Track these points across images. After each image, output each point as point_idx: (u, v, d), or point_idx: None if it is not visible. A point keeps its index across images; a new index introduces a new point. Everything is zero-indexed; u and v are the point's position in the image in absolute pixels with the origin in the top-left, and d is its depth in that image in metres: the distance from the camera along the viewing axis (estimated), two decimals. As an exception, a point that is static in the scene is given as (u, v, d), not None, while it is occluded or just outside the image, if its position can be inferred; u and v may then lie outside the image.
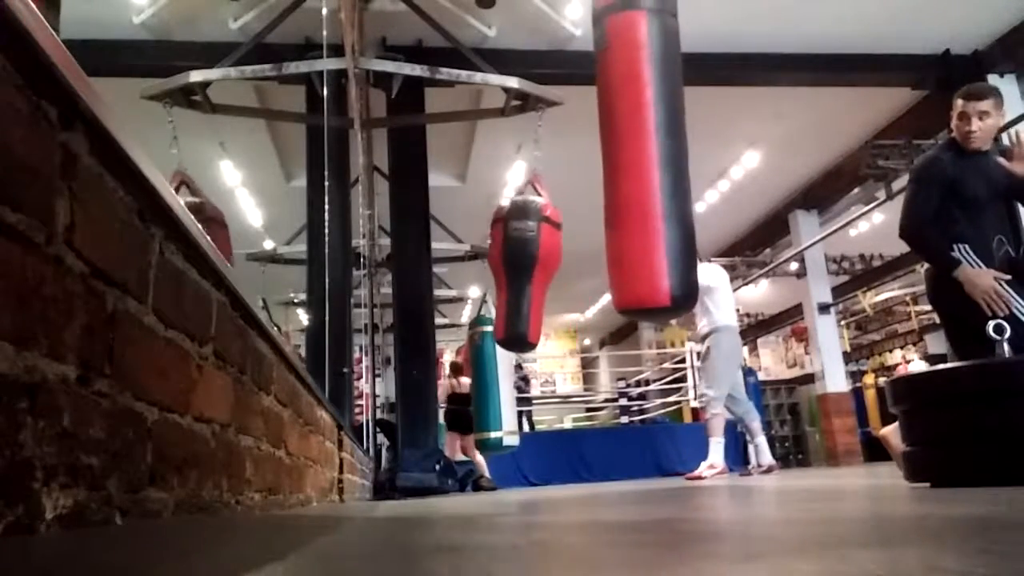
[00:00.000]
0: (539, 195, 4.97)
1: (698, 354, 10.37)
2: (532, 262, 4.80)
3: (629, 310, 3.23)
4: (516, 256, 4.83)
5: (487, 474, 7.02)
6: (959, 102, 2.99)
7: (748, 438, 5.82)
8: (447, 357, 12.26)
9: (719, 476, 5.07)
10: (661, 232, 3.04)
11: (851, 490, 2.59)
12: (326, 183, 5.40)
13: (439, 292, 9.59)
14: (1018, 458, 1.93)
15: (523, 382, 13.69)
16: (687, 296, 3.10)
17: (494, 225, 4.96)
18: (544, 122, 5.19)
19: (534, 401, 14.31)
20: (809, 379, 11.90)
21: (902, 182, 8.12)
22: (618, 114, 3.29)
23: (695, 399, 10.38)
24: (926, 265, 3.10)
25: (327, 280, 5.38)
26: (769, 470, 5.39)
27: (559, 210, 4.99)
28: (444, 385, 7.75)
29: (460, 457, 7.24)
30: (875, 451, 8.96)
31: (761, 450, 5.51)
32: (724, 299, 5.51)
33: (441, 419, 8.10)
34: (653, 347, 15.22)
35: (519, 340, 4.95)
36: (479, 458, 7.00)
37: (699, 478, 5.02)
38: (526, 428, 12.67)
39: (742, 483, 4.14)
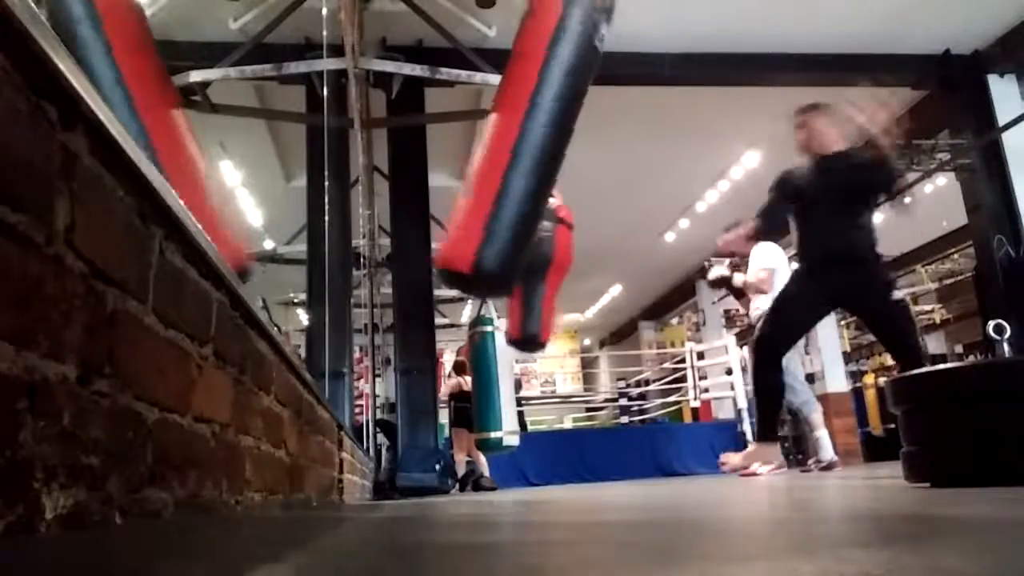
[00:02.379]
0: (552, 195, 4.93)
1: (700, 355, 10.38)
2: (547, 263, 4.74)
3: (438, 269, 3.22)
4: (531, 257, 4.78)
5: (487, 473, 7.01)
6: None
7: (807, 430, 5.20)
8: (447, 357, 12.26)
9: (776, 471, 4.59)
10: (490, 202, 2.93)
11: (851, 490, 2.59)
12: (326, 183, 5.40)
13: (439, 292, 9.57)
14: (1018, 458, 1.93)
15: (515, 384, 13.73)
16: (496, 273, 2.93)
17: None
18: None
19: (524, 402, 14.35)
20: (809, 379, 11.89)
21: (902, 182, 8.12)
22: (505, 83, 3.24)
23: (695, 399, 10.37)
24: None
25: (327, 280, 5.38)
26: (829, 466, 4.87)
27: (571, 210, 4.95)
28: (451, 383, 7.72)
29: (465, 459, 7.20)
30: (875, 451, 8.96)
31: (822, 444, 4.99)
32: (781, 282, 4.92)
33: (443, 418, 8.09)
34: (653, 347, 15.23)
35: (531, 341, 4.93)
36: (482, 458, 6.99)
37: (753, 474, 4.50)
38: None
39: (741, 483, 4.14)
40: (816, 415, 5.07)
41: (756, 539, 1.04)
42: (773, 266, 5.11)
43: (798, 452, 13.83)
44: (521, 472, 8.07)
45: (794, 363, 5.04)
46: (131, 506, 0.84)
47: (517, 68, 3.16)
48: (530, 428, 11.76)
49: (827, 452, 4.94)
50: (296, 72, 5.50)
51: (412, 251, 6.64)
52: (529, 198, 3.01)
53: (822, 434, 5.03)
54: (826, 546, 0.85)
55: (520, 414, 13.21)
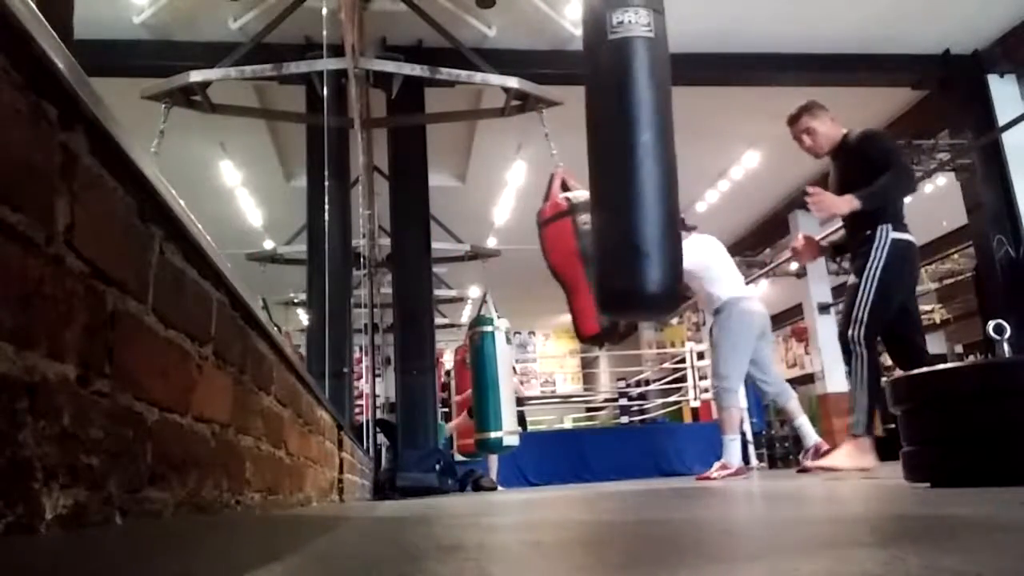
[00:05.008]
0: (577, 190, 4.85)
1: (700, 355, 10.38)
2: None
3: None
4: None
5: (495, 474, 7.00)
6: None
7: (790, 421, 5.00)
8: (447, 357, 12.27)
9: (732, 477, 4.68)
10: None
11: (851, 490, 2.59)
12: (326, 183, 5.40)
13: (439, 292, 9.58)
14: (1018, 458, 1.93)
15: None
16: (617, 307, 3.00)
17: (555, 220, 4.63)
18: (544, 122, 5.19)
19: (525, 402, 14.35)
20: (809, 379, 11.90)
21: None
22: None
23: (695, 399, 10.37)
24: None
25: (327, 280, 5.38)
26: (817, 450, 4.75)
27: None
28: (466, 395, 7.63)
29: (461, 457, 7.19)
30: (875, 451, 8.94)
31: (804, 432, 4.87)
32: (722, 271, 4.97)
33: (440, 418, 8.06)
34: (653, 347, 15.22)
35: (611, 332, 4.83)
36: (492, 457, 6.97)
37: (708, 479, 4.71)
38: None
39: (743, 484, 4.14)
40: (792, 403, 4.96)
41: (756, 539, 1.04)
42: (706, 262, 4.96)
43: (798, 452, 13.83)
44: (521, 472, 8.07)
45: (763, 354, 4.96)
46: (131, 506, 0.84)
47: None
48: (530, 428, 11.77)
49: (810, 439, 4.83)
50: (296, 72, 5.49)
51: (412, 251, 6.63)
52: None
53: (803, 421, 4.89)
54: (826, 546, 0.85)
55: (520, 413, 13.22)
